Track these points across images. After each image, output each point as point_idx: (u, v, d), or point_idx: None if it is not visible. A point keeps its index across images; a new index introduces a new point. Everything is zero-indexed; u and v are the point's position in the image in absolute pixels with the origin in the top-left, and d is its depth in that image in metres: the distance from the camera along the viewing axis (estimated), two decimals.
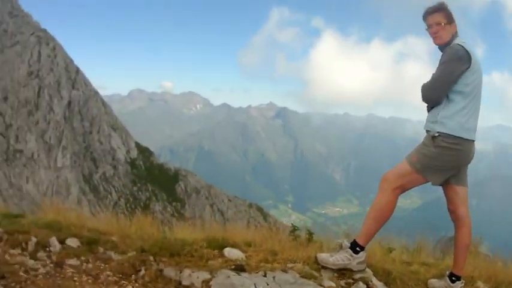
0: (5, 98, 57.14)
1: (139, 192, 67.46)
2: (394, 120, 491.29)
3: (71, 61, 70.79)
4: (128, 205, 64.55)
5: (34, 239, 4.56)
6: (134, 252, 4.61)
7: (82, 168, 62.93)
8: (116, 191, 64.92)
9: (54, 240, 4.62)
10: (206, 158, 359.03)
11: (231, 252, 4.68)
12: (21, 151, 54.65)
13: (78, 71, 70.79)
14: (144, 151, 75.49)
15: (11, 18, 65.95)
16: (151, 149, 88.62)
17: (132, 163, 70.36)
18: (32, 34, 66.17)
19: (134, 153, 71.97)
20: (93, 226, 5.68)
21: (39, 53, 64.88)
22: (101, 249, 4.70)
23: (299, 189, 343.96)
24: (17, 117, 56.55)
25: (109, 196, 63.63)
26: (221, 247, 4.81)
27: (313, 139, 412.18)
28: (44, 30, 69.06)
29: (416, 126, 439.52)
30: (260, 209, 79.23)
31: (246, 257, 4.69)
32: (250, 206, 76.69)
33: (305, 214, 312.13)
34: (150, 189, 68.72)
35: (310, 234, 5.72)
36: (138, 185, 68.31)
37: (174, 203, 69.54)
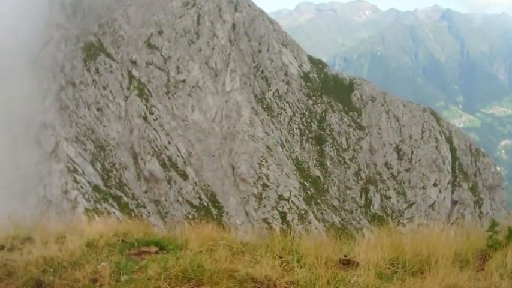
0: (160, 32, 53.56)
1: (315, 106, 62.35)
2: None
3: None
4: (304, 119, 58.80)
5: None
6: None
7: (253, 88, 58.22)
8: (290, 106, 59.27)
9: None
10: (379, 63, 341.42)
11: None
12: (183, 81, 51.12)
13: None
14: (317, 63, 70.21)
15: None
16: (324, 59, 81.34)
17: (306, 77, 65.18)
18: None
19: (307, 66, 66.45)
20: (245, 272, 4.06)
21: None
22: None
23: (468, 90, 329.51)
24: (175, 48, 52.57)
25: (283, 113, 59.25)
26: None
27: (476, 39, 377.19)
28: None
29: None
30: (434, 113, 70.15)
31: None
32: (424, 110, 68.30)
33: (474, 115, 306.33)
34: (325, 101, 63.76)
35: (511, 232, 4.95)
36: (313, 98, 63.72)
37: (350, 113, 62.09)
